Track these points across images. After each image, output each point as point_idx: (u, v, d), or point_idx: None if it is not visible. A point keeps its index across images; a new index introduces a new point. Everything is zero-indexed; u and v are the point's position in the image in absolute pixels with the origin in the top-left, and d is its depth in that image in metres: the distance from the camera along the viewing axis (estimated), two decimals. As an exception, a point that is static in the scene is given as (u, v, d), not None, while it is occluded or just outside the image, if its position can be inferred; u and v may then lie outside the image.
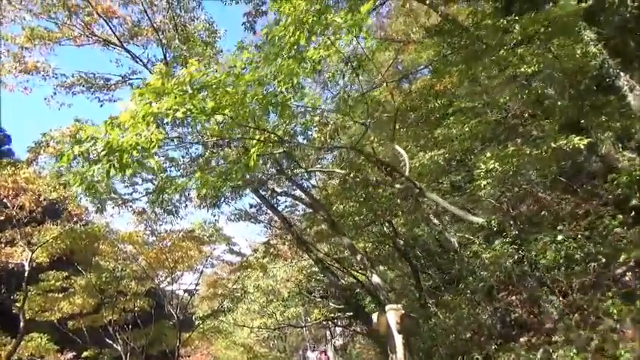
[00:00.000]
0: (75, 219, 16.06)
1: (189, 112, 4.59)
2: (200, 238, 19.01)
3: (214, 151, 10.36)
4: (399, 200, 13.49)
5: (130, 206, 15.67)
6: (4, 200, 14.22)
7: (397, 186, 8.76)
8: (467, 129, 11.84)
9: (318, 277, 21.58)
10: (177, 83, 4.55)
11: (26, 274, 14.38)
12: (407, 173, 7.79)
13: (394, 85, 14.87)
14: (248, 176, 10.63)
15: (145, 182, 13.62)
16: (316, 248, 16.55)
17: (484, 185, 9.41)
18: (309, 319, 25.81)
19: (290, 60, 5.72)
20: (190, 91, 4.54)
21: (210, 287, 25.20)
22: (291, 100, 5.57)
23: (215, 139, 7.46)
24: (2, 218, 14.89)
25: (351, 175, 9.46)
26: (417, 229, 17.36)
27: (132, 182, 13.91)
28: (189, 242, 18.88)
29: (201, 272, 22.40)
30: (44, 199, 14.55)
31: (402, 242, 17.12)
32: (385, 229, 16.83)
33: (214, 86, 4.63)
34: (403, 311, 8.49)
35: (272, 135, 6.71)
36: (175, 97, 4.47)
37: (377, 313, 8.60)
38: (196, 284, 23.25)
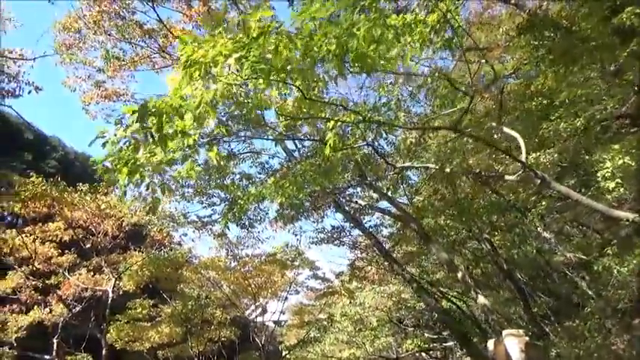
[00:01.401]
0: (157, 244, 15.92)
1: (244, 61, 3.55)
2: (283, 262, 18.16)
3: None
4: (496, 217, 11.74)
5: (210, 229, 15.24)
6: (90, 227, 14.33)
7: (510, 178, 7.17)
8: (579, 123, 10.00)
9: (409, 305, 19.90)
10: (230, 26, 3.58)
11: (109, 302, 14.23)
12: (524, 159, 6.25)
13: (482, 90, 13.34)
14: (328, 186, 9.53)
15: (223, 202, 13.12)
16: (406, 270, 15.03)
17: (613, 187, 7.50)
18: (401, 351, 23.90)
19: (370, 21, 4.57)
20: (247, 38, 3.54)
21: (296, 315, 24.24)
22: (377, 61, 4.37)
23: (283, 128, 6.44)
24: (89, 245, 15.01)
25: (448, 169, 8.00)
26: (524, 246, 15.26)
27: (210, 203, 13.48)
28: (272, 266, 18.09)
29: (286, 299, 21.49)
30: (127, 225, 14.53)
31: (503, 261, 15.10)
32: (484, 246, 14.94)
33: (277, 35, 3.60)
34: (527, 338, 6.78)
35: (353, 114, 5.53)
36: (227, 44, 3.47)
37: (492, 340, 6.97)
38: (281, 312, 22.35)
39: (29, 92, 10.48)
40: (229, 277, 18.39)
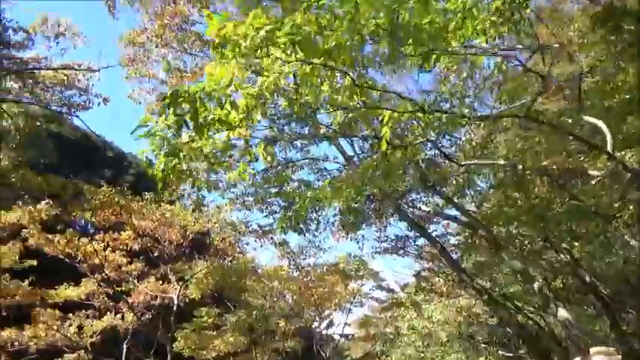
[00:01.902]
0: (221, 253, 16.10)
1: (279, 36, 3.25)
2: (345, 273, 17.75)
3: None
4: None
5: (271, 238, 15.18)
6: (156, 236, 14.73)
7: (596, 173, 6.37)
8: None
9: (481, 320, 18.76)
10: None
11: (174, 309, 14.48)
12: (610, 150, 5.50)
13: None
14: (388, 190, 9.06)
15: (282, 210, 13.00)
16: (476, 282, 14.11)
17: None
18: (474, 368, 22.57)
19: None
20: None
21: (362, 328, 23.65)
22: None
23: (336, 125, 6.08)
24: (156, 254, 15.44)
25: (520, 167, 7.28)
26: (608, 257, 13.89)
27: (271, 211, 13.43)
28: (335, 277, 17.73)
29: (350, 311, 20.99)
30: (190, 233, 14.82)
31: (585, 273, 13.75)
32: (562, 256, 13.70)
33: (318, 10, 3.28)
34: (619, 357, 5.92)
35: (411, 103, 5.08)
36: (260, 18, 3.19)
37: (579, 358, 6.17)
38: (346, 324, 21.86)
39: (98, 104, 10.98)
40: (292, 287, 18.23)
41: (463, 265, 14.35)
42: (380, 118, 5.71)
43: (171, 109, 3.38)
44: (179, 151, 3.89)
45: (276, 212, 13.43)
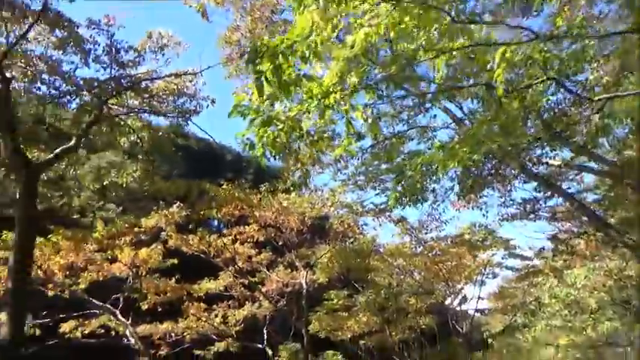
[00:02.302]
0: (341, 236, 16.25)
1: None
2: (472, 243, 16.84)
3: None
4: None
5: (388, 215, 14.93)
6: (278, 225, 15.28)
7: None
8: None
9: (635, 283, 16.66)
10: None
11: (304, 294, 14.93)
12: None
13: None
14: (507, 146, 8.24)
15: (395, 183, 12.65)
16: (629, 238, 12.43)
17: None
18: (633, 336, 20.16)
19: None
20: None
21: (498, 300, 22.41)
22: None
23: (439, 79, 5.54)
24: (281, 243, 16.04)
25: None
26: None
27: (383, 189, 13.16)
28: (461, 249, 16.93)
29: (482, 283, 19.95)
30: (309, 219, 15.14)
31: None
32: None
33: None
34: None
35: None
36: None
37: None
38: (479, 297, 20.84)
39: (207, 106, 11.59)
40: (417, 263, 17.81)
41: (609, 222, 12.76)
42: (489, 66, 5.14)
43: (251, 66, 3.26)
44: (274, 120, 3.78)
45: (388, 189, 13.13)
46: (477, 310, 22.68)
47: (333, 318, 18.33)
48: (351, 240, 16.96)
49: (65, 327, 13.07)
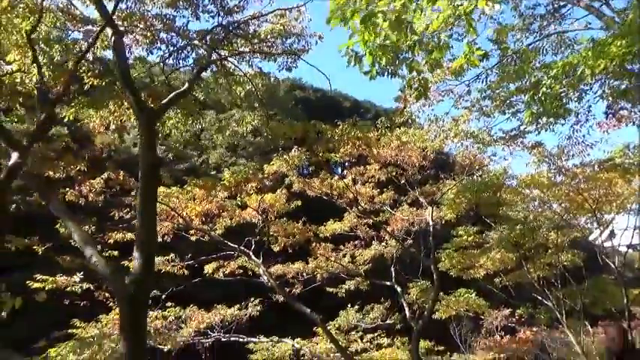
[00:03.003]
0: (467, 169, 15.22)
1: None
2: (625, 168, 14.63)
3: None
4: None
5: (521, 142, 13.52)
6: (399, 163, 14.75)
7: None
8: None
9: None
10: None
11: (431, 232, 14.41)
12: None
13: None
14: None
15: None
16: None
17: None
18: None
19: None
20: None
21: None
22: None
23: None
24: (403, 181, 15.54)
25: None
26: None
27: (514, 112, 11.81)
28: (611, 174, 14.82)
29: (638, 212, 17.47)
30: (431, 153, 14.36)
31: None
32: None
33: None
34: None
35: None
36: None
37: None
38: (635, 229, 18.37)
39: (316, 43, 11.24)
40: (557, 193, 16.05)
41: None
42: None
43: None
44: (378, 14, 3.24)
45: (520, 111, 11.75)
46: (629, 247, 20.13)
47: (464, 255, 17.58)
48: (479, 173, 15.82)
49: (208, 268, 14.32)
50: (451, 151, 15.43)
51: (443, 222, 16.42)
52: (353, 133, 11.84)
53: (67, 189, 10.76)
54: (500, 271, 18.85)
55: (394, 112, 14.79)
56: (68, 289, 10.94)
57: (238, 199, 13.67)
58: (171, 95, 8.12)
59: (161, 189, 11.80)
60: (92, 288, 11.11)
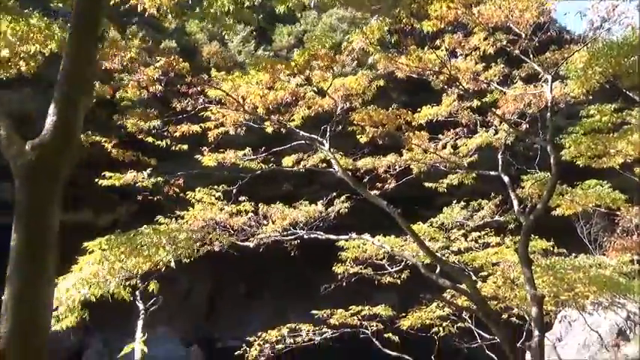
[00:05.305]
0: (600, 29, 11.68)
1: None
2: None
3: None
4: None
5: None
6: (508, 25, 11.76)
7: None
8: None
9: None
10: None
11: (550, 112, 11.58)
12: None
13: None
14: None
15: None
16: None
17: None
18: None
19: None
20: None
21: None
22: None
23: None
24: (516, 51, 12.54)
25: None
26: None
27: None
28: None
29: None
30: (553, 8, 11.11)
31: None
32: None
33: None
34: None
35: None
36: None
37: None
38: None
39: None
40: None
41: None
42: None
43: None
44: None
45: None
46: None
47: (595, 140, 14.36)
48: (618, 33, 12.13)
49: (287, 161, 13.32)
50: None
51: (569, 99, 13.29)
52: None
53: (126, 79, 10.09)
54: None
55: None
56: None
57: (314, 84, 12.10)
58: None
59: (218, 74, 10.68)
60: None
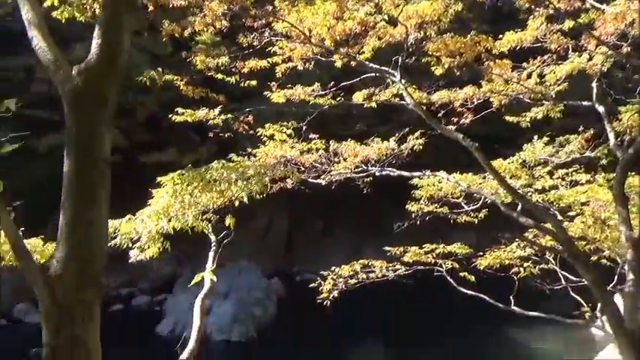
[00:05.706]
0: None
1: None
2: None
3: None
4: None
5: None
6: None
7: None
8: None
9: None
10: None
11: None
12: None
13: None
14: None
15: None
16: None
17: None
18: None
19: None
20: None
21: None
22: None
23: None
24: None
25: None
26: None
27: None
28: None
29: None
30: None
31: None
32: None
33: None
34: None
35: None
36: None
37: None
38: None
39: None
40: None
41: None
42: None
43: None
44: None
45: None
46: None
47: None
48: None
49: (358, 96, 12.89)
50: None
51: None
52: None
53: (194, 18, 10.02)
54: None
55: None
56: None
57: (385, 12, 11.37)
58: None
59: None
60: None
